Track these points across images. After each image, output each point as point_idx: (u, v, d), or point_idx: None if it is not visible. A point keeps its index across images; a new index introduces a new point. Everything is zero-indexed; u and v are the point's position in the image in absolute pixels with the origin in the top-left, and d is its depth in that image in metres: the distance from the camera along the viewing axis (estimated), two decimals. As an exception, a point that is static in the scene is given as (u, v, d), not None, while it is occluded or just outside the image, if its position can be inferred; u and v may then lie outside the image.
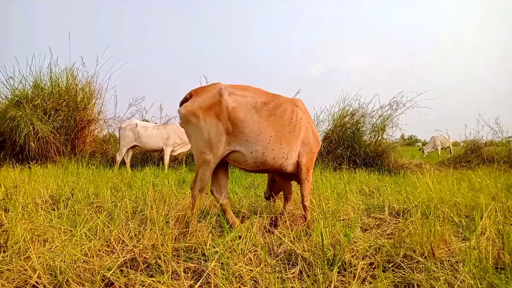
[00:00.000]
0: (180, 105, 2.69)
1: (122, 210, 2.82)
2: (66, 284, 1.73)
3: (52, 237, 2.30)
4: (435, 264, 1.97)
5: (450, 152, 13.77)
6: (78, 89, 8.65)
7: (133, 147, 7.54)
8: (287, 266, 2.04)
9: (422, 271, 1.89)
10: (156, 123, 8.93)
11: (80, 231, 2.28)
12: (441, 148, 14.42)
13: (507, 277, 1.71)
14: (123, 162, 7.54)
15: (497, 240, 2.19)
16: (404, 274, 1.89)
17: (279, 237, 2.43)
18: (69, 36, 9.13)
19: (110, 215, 2.79)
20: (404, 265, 2.00)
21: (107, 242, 2.26)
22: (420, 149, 15.43)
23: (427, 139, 15.64)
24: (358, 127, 8.14)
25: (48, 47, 8.67)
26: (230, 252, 2.08)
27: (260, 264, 1.99)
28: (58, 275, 1.78)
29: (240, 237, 2.27)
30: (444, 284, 1.75)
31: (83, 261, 1.97)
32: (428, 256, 2.08)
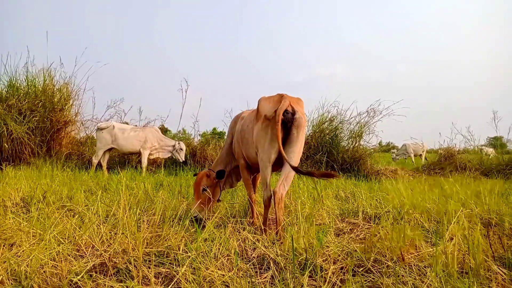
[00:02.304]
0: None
1: (95, 214, 2.76)
2: (31, 290, 1.68)
3: (20, 241, 2.24)
4: (404, 268, 2.01)
5: (425, 159, 14.06)
6: (55, 89, 8.47)
7: (110, 149, 7.40)
8: (259, 271, 2.05)
9: (391, 276, 1.93)
10: (136, 125, 8.81)
11: (49, 235, 2.23)
12: (414, 155, 14.68)
13: (471, 281, 1.77)
14: (99, 165, 7.39)
15: (463, 245, 2.26)
16: (373, 279, 1.93)
17: (253, 241, 2.43)
18: (47, 36, 8.94)
19: (82, 219, 2.73)
20: (374, 269, 2.04)
21: (77, 246, 2.21)
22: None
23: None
24: (336, 133, 8.27)
25: (26, 46, 8.48)
26: (203, 256, 2.07)
27: (233, 269, 1.99)
28: (23, 281, 1.74)
29: (213, 240, 2.27)
30: (412, 288, 1.79)
31: (51, 266, 1.93)
32: (398, 260, 2.12)
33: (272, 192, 2.67)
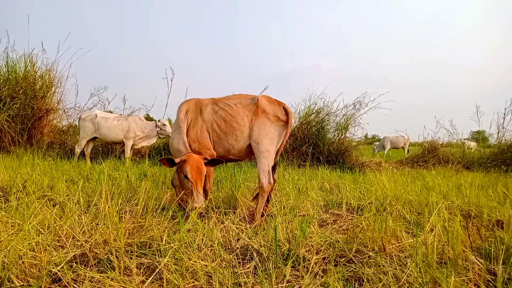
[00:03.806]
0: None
1: (76, 204, 2.71)
2: (8, 281, 1.65)
3: (-2, 232, 2.18)
4: (385, 258, 2.05)
5: (407, 152, 14.21)
6: (37, 76, 8.26)
7: (94, 139, 7.25)
8: (242, 261, 2.05)
9: (372, 266, 1.96)
10: (121, 114, 8.66)
11: (28, 225, 2.17)
12: (394, 148, 14.76)
13: (449, 271, 1.81)
14: (82, 154, 7.26)
15: (443, 236, 2.30)
16: (355, 269, 1.95)
17: (237, 232, 2.43)
18: (28, 20, 8.68)
19: (63, 209, 2.68)
20: (356, 259, 2.06)
21: (57, 237, 2.17)
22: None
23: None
24: (322, 125, 8.29)
25: (5, 31, 8.23)
26: (186, 247, 2.06)
27: (216, 259, 1.99)
28: (0, 271, 1.69)
29: (196, 231, 2.26)
30: (392, 278, 1.82)
31: (30, 256, 1.88)
32: (379, 251, 2.16)
33: (273, 179, 3.11)
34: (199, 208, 2.72)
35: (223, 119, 3.18)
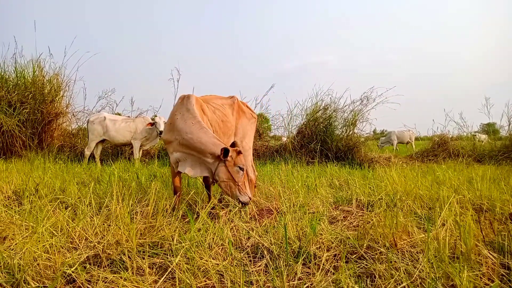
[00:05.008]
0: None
1: (88, 206, 2.75)
2: (24, 282, 1.68)
3: (12, 234, 2.22)
4: (397, 254, 2.04)
5: (412, 146, 13.98)
6: (45, 81, 8.34)
7: (103, 141, 7.34)
8: (253, 260, 2.06)
9: (383, 262, 1.95)
10: (129, 116, 8.72)
11: (42, 227, 2.21)
12: (400, 142, 14.51)
13: (462, 266, 1.79)
14: (92, 157, 7.33)
15: (455, 231, 2.28)
16: (366, 265, 1.95)
17: (247, 230, 2.44)
18: (35, 26, 8.78)
19: (75, 211, 2.72)
20: (367, 256, 2.06)
21: (70, 238, 2.20)
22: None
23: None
24: (330, 121, 8.25)
25: (13, 37, 8.33)
26: (197, 246, 2.07)
27: (227, 258, 2.00)
28: (16, 273, 1.72)
29: (207, 230, 2.27)
30: (404, 273, 1.81)
31: (45, 258, 1.92)
32: (391, 247, 2.15)
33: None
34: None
35: (221, 119, 3.22)
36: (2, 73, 7.97)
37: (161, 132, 7.11)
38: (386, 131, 14.21)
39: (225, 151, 2.69)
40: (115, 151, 8.45)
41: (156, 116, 7.53)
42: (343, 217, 2.98)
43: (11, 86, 7.89)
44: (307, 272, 1.92)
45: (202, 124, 2.88)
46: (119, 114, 9.14)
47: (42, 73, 8.34)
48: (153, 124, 7.19)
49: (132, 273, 1.80)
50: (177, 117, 2.93)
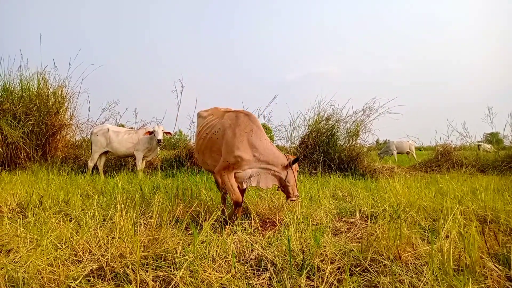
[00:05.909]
0: None
1: (91, 218, 2.76)
2: (29, 296, 1.68)
3: (17, 247, 2.23)
4: (401, 267, 2.03)
5: (414, 157, 13.87)
6: (49, 93, 8.42)
7: (106, 152, 7.38)
8: (257, 272, 2.05)
9: (388, 274, 1.94)
10: (132, 128, 8.77)
11: (46, 240, 2.22)
12: (399, 153, 14.34)
13: (466, 278, 1.78)
14: (95, 168, 7.36)
15: (459, 242, 2.27)
16: (370, 278, 1.94)
17: (251, 243, 2.44)
18: (40, 39, 8.90)
19: (79, 223, 2.73)
20: (371, 268, 2.05)
21: (74, 251, 2.21)
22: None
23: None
24: (333, 132, 8.27)
25: (19, 50, 8.44)
26: (200, 259, 2.07)
27: (230, 271, 2.00)
28: (21, 287, 1.73)
29: (210, 243, 2.27)
30: (409, 286, 1.80)
31: (49, 271, 1.92)
32: (395, 259, 2.14)
33: None
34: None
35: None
36: (8, 86, 8.06)
37: (159, 141, 7.16)
38: (388, 141, 14.11)
39: (296, 160, 3.17)
40: (118, 162, 8.48)
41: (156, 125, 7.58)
42: (347, 228, 2.97)
43: (16, 98, 7.97)
44: (311, 285, 1.91)
45: (269, 140, 3.20)
46: (123, 126, 9.20)
47: (46, 85, 8.43)
48: (151, 132, 7.22)
49: (136, 286, 1.80)
50: (252, 135, 3.07)
